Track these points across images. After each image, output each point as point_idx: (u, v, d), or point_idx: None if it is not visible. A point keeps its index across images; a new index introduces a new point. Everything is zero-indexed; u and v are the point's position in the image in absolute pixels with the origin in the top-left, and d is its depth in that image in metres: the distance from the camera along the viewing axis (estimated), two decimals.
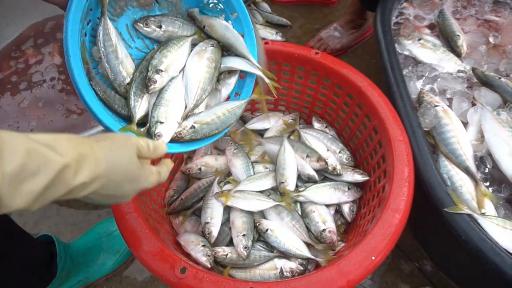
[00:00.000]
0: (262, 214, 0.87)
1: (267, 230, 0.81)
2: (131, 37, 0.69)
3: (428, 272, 1.00)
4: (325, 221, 0.84)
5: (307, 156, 0.90)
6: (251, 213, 0.86)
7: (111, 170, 0.43)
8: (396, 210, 0.67)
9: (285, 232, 0.82)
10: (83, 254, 0.97)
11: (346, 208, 0.88)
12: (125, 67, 0.66)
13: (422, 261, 1.01)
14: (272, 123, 1.01)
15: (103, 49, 0.63)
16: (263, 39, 1.47)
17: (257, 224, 0.83)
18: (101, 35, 0.62)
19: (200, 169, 0.94)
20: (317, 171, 0.90)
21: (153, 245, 0.63)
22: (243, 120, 1.06)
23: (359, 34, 1.46)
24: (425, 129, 0.82)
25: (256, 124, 1.03)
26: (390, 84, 0.88)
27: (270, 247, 0.83)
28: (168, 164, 0.58)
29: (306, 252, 0.79)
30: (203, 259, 0.75)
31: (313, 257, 0.78)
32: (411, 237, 1.04)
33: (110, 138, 0.47)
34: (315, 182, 0.90)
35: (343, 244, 0.82)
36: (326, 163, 0.90)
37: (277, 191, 0.88)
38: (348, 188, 0.87)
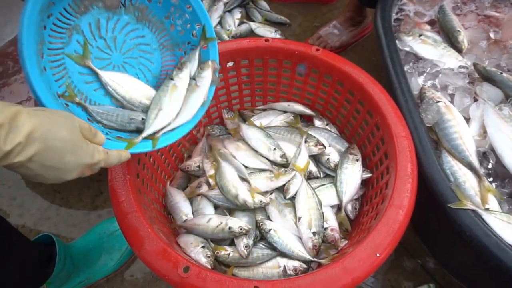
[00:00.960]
0: (265, 213, 0.86)
1: (270, 230, 0.81)
2: (93, 36, 0.70)
3: (431, 269, 1.00)
4: (327, 219, 0.84)
5: (305, 141, 0.91)
6: (253, 211, 0.86)
7: (50, 135, 0.43)
8: (400, 206, 0.66)
9: (288, 233, 0.81)
10: (84, 255, 0.97)
11: (348, 206, 0.87)
12: (143, 93, 0.73)
13: (425, 258, 1.01)
14: (271, 119, 1.00)
15: (120, 98, 0.71)
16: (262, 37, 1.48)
17: (260, 224, 0.82)
18: (112, 90, 0.70)
19: (199, 166, 0.93)
20: (318, 164, 0.91)
21: (156, 244, 0.62)
22: (242, 117, 1.05)
23: (358, 31, 1.46)
24: (427, 125, 0.82)
25: (256, 121, 1.02)
26: (391, 80, 0.87)
27: (272, 247, 0.82)
28: (122, 153, 0.58)
29: (308, 255, 0.78)
30: (204, 261, 0.74)
31: (315, 259, 0.77)
32: (414, 234, 1.04)
33: (49, 110, 0.47)
34: (316, 177, 0.90)
35: (346, 242, 0.82)
36: (324, 146, 0.91)
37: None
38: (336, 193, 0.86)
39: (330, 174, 0.92)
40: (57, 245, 0.86)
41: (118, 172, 0.70)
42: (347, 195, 0.84)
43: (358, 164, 0.87)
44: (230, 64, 0.94)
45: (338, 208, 0.88)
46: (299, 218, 0.81)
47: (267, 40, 0.91)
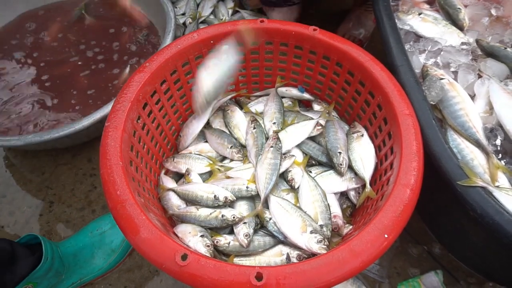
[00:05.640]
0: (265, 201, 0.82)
1: (270, 219, 0.77)
2: None
3: (437, 254, 0.97)
4: (330, 205, 0.80)
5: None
6: (252, 199, 0.82)
7: None
8: (407, 185, 0.63)
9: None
10: (74, 255, 0.92)
11: (352, 191, 0.84)
12: None
13: (431, 244, 0.98)
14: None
15: None
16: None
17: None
18: None
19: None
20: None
21: (151, 232, 0.59)
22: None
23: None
24: (431, 102, 0.78)
25: (254, 106, 0.99)
26: (393, 59, 0.84)
27: (273, 235, 0.78)
28: None
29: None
30: (203, 250, 0.70)
31: (317, 251, 0.71)
32: (418, 219, 1.01)
33: None
34: (319, 163, 0.87)
35: (351, 227, 0.78)
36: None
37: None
38: (355, 174, 0.82)
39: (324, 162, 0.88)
40: (43, 244, 0.81)
41: (110, 159, 0.66)
42: (367, 170, 0.79)
43: (365, 138, 0.84)
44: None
45: (356, 191, 0.84)
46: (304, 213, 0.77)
47: (262, 21, 0.87)
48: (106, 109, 0.98)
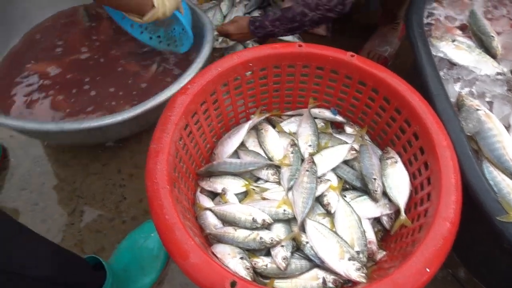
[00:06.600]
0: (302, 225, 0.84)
1: (307, 242, 0.79)
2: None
3: (462, 278, 0.98)
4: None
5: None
6: (288, 221, 0.84)
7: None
8: (447, 219, 0.65)
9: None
10: (124, 270, 0.94)
11: (384, 216, 0.85)
12: None
13: (456, 267, 0.99)
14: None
15: None
16: (283, 41, 1.46)
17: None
18: None
19: None
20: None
21: (200, 257, 0.61)
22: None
23: (398, 32, 1.45)
24: (468, 134, 0.80)
25: (287, 126, 1.01)
26: (428, 88, 0.86)
27: (310, 259, 0.79)
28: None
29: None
30: (243, 273, 0.72)
31: (355, 279, 0.71)
32: None
33: None
34: (353, 187, 0.88)
35: (384, 253, 0.80)
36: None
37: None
38: (389, 200, 0.84)
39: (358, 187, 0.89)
40: (105, 265, 0.84)
41: (157, 183, 0.68)
42: (402, 197, 0.81)
43: (399, 165, 0.85)
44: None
45: (388, 216, 0.85)
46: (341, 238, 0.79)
47: (300, 45, 0.89)
48: (141, 107, 0.98)
